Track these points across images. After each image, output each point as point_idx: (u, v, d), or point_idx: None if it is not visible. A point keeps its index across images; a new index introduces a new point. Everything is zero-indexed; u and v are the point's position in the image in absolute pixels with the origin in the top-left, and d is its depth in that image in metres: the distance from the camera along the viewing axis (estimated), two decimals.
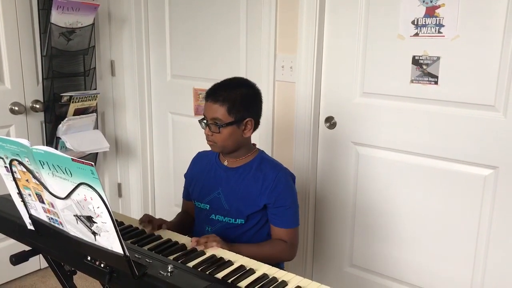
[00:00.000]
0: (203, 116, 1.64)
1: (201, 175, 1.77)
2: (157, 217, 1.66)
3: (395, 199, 2.14)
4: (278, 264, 1.70)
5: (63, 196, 1.12)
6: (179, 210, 1.93)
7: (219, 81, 1.68)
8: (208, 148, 1.78)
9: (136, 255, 1.28)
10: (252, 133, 1.67)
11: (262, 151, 1.76)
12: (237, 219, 1.67)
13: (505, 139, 1.83)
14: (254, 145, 1.75)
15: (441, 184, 2.00)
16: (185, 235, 1.61)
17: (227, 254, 1.40)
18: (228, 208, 1.68)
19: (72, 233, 1.22)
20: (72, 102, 2.55)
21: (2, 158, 1.25)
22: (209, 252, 1.40)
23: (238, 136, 1.63)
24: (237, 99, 1.59)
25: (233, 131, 1.61)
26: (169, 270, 1.20)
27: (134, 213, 3.15)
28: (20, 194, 1.29)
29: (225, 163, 1.71)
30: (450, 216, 2.00)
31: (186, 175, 1.86)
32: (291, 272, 1.31)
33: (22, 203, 1.32)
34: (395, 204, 2.15)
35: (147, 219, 1.61)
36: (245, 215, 1.66)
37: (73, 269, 1.61)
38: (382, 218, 2.20)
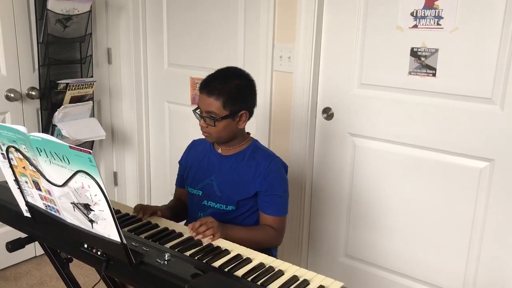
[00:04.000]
0: (197, 106, 1.64)
1: (195, 162, 1.78)
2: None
3: (391, 191, 2.15)
4: (271, 252, 1.72)
5: (60, 183, 1.12)
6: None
7: (213, 72, 1.66)
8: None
9: (133, 243, 1.29)
10: (246, 123, 1.67)
11: (256, 140, 1.77)
12: (228, 205, 1.69)
13: (501, 132, 1.83)
14: (248, 134, 1.76)
15: (437, 176, 2.01)
16: (178, 221, 1.62)
17: (223, 243, 1.40)
18: (220, 195, 1.70)
19: (69, 221, 1.22)
20: (68, 90, 2.54)
21: None
22: (206, 241, 1.40)
23: (233, 128, 1.64)
24: (232, 92, 1.59)
25: (228, 124, 1.61)
26: (166, 259, 1.20)
27: (129, 202, 3.15)
28: (16, 181, 1.29)
29: (219, 150, 1.73)
30: (445, 208, 2.01)
31: (180, 162, 1.87)
32: (286, 261, 1.31)
33: (18, 190, 1.31)
34: (390, 196, 2.16)
35: (140, 208, 1.61)
36: (236, 201, 1.67)
37: (69, 256, 1.62)
38: (378, 209, 2.21)
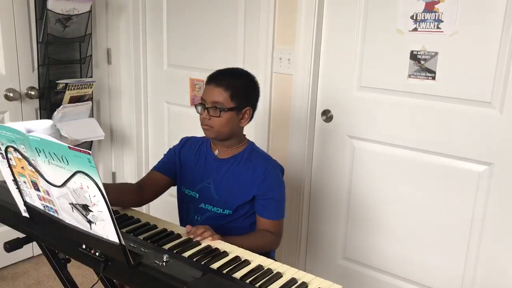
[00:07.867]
0: (201, 101, 1.63)
1: (191, 162, 1.76)
2: (150, 208, 1.65)
3: (390, 193, 2.15)
4: (269, 254, 1.71)
5: (59, 184, 1.12)
6: (173, 199, 1.85)
7: (222, 68, 1.69)
8: (200, 135, 1.77)
9: (132, 244, 1.29)
10: (247, 123, 1.68)
11: (252, 142, 1.77)
12: (225, 210, 1.69)
13: (500, 136, 1.84)
14: (245, 136, 1.76)
15: (435, 179, 2.01)
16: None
17: (222, 245, 1.40)
18: (217, 199, 1.69)
19: (67, 221, 1.22)
20: (68, 90, 2.54)
21: None
22: (204, 243, 1.40)
23: (235, 124, 1.64)
24: (240, 87, 1.62)
25: (231, 118, 1.62)
26: (164, 260, 1.20)
27: None
28: (15, 181, 1.28)
29: (216, 152, 1.72)
30: (444, 211, 2.01)
31: (171, 150, 1.81)
32: (284, 264, 1.31)
33: (17, 190, 1.31)
34: (389, 198, 2.16)
35: None
36: (234, 206, 1.67)
37: (67, 257, 1.61)
38: (376, 211, 2.21)
